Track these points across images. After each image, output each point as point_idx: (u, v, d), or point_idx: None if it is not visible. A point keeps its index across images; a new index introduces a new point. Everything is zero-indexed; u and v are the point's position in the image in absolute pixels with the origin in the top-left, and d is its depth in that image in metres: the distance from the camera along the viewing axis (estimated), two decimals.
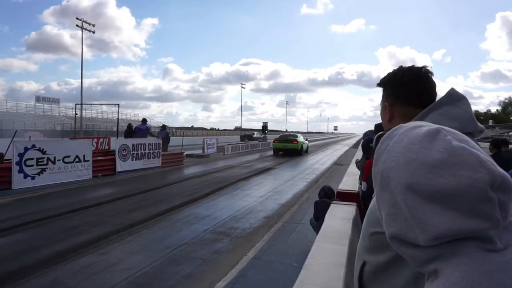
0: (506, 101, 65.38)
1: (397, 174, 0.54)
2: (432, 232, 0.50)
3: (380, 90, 1.21)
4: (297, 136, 23.20)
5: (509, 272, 0.48)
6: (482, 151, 0.53)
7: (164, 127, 17.58)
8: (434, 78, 1.12)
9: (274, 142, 23.28)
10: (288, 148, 22.02)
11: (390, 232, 0.56)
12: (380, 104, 1.21)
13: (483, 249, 0.50)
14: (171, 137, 17.97)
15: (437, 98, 1.05)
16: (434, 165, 0.50)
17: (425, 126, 0.57)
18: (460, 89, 1.05)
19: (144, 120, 15.39)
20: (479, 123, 0.94)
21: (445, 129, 0.55)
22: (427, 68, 1.10)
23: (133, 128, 14.90)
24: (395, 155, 0.55)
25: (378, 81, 1.20)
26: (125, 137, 14.25)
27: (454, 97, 0.97)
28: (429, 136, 0.54)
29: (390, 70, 1.19)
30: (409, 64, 1.15)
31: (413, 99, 1.07)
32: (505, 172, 0.50)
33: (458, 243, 0.50)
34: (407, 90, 1.09)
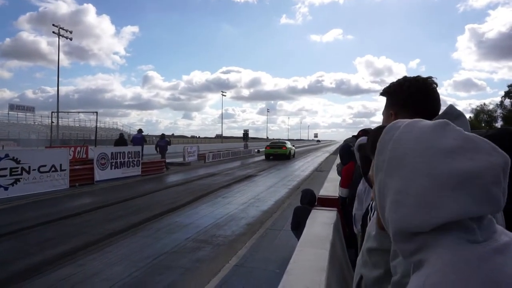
0: (478, 108, 67.86)
1: (413, 160, 0.56)
2: (444, 216, 0.53)
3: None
4: (285, 143, 26.96)
5: (489, 261, 0.51)
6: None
7: (163, 135, 18.35)
8: None
9: (265, 148, 26.59)
10: (278, 153, 25.18)
11: (392, 217, 0.58)
12: (383, 113, 1.22)
13: (465, 240, 0.53)
14: (148, 144, 19.47)
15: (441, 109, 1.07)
16: (451, 150, 0.54)
17: (427, 120, 0.61)
18: None
19: (140, 130, 17.06)
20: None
21: (452, 123, 0.60)
22: (433, 79, 1.11)
23: (131, 137, 16.46)
24: (407, 143, 0.58)
25: (382, 90, 1.21)
26: (115, 146, 14.92)
27: (452, 115, 0.98)
28: (441, 126, 0.58)
29: (394, 80, 1.19)
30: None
31: (419, 109, 1.07)
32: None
33: (442, 233, 0.54)
34: (414, 100, 1.09)
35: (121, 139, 16.15)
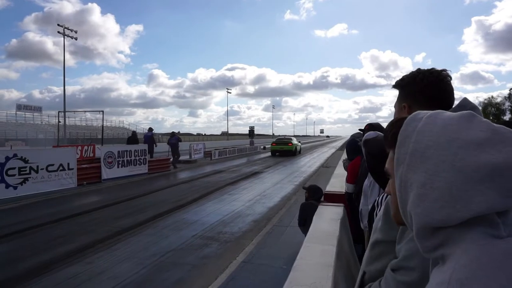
0: (486, 101, 66.85)
1: (438, 153, 0.54)
2: (471, 210, 0.50)
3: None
4: (291, 139, 27.17)
5: None
6: None
7: (173, 133, 18.43)
8: None
9: (272, 144, 26.82)
10: (284, 149, 25.37)
11: (416, 212, 0.56)
12: (395, 106, 1.21)
13: (490, 235, 0.51)
14: (159, 143, 19.53)
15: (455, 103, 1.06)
16: (478, 142, 0.52)
17: (450, 112, 0.59)
18: None
19: (150, 129, 17.63)
20: None
21: (478, 115, 0.57)
22: (447, 71, 1.10)
23: (143, 136, 16.82)
24: (430, 135, 0.56)
25: (394, 83, 1.20)
26: (128, 144, 15.40)
27: (466, 108, 0.95)
28: (466, 118, 0.55)
29: (407, 73, 1.19)
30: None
31: (433, 102, 1.06)
32: None
33: (467, 228, 0.52)
34: (428, 92, 1.09)
35: (133, 137, 16.52)
